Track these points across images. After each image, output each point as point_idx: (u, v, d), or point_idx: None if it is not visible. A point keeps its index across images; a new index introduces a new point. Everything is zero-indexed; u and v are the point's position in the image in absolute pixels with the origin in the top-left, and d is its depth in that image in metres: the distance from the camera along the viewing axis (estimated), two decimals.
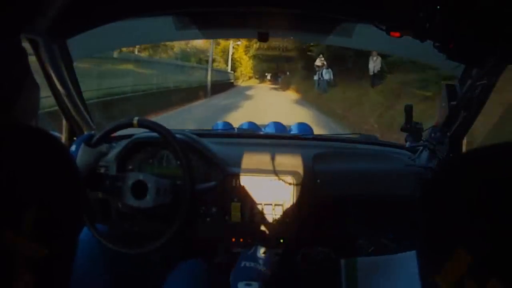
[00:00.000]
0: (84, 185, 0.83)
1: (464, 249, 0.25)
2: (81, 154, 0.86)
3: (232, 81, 21.84)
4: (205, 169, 0.98)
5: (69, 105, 0.96)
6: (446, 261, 0.27)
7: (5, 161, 0.30)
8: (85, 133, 1.02)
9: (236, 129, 1.38)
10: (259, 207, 0.97)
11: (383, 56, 7.42)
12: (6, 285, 0.28)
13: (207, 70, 14.82)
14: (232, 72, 23.79)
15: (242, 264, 0.77)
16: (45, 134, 0.34)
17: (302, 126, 1.44)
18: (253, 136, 1.28)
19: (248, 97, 13.50)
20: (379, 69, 7.78)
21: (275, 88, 19.80)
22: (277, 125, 1.46)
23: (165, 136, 0.87)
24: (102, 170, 0.97)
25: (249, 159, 1.02)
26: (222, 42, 21.66)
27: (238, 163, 1.01)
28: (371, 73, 8.02)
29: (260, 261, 0.77)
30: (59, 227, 0.33)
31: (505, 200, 0.25)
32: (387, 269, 0.74)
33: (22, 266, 0.29)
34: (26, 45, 0.80)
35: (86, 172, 0.87)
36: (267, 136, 1.29)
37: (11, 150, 0.31)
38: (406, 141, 1.09)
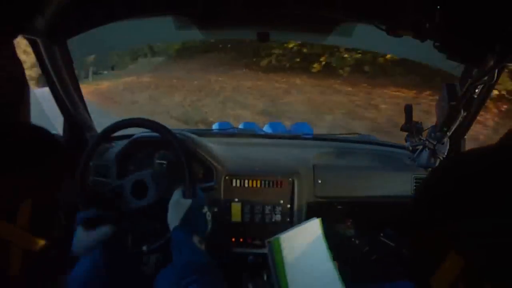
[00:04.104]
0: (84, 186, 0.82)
1: (458, 252, 0.26)
2: (79, 237, 0.76)
3: None
4: (205, 169, 0.98)
5: (69, 105, 0.96)
6: (440, 264, 0.27)
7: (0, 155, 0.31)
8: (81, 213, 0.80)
9: (236, 129, 1.37)
10: (259, 207, 0.96)
11: None
12: (1, 274, 0.29)
13: None
14: None
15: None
16: (40, 130, 0.35)
17: (302, 126, 1.44)
18: (253, 136, 1.28)
19: None
20: None
21: None
22: (277, 125, 1.45)
23: (166, 135, 0.87)
24: (103, 170, 0.97)
25: (249, 159, 1.02)
26: None
27: (238, 163, 1.01)
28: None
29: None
30: (55, 219, 0.34)
31: (500, 201, 0.25)
32: None
33: (17, 256, 0.30)
34: (26, 45, 0.80)
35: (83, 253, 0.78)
36: (267, 136, 1.29)
37: (6, 145, 0.32)
38: (406, 141, 1.09)
